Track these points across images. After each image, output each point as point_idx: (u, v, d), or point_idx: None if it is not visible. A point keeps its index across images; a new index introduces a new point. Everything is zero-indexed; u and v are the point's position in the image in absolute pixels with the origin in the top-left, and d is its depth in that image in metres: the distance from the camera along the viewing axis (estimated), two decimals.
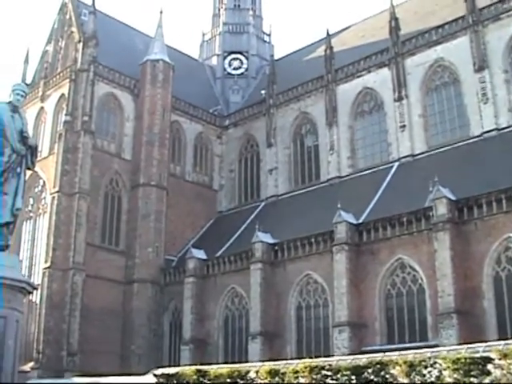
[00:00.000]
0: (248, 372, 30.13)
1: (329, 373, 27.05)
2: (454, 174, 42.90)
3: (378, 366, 26.42)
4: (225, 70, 77.58)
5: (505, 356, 23.56)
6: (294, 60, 70.20)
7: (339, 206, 43.98)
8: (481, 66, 50.78)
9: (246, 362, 42.35)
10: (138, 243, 56.43)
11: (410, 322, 40.40)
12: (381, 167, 53.37)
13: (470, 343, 29.43)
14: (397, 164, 52.43)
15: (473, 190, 40.10)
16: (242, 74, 76.96)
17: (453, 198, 39.83)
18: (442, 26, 54.11)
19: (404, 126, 53.79)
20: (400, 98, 54.65)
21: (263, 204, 61.29)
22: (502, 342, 27.18)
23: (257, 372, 29.69)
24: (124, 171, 58.76)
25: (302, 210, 52.93)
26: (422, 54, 54.66)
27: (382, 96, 56.41)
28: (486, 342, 29.88)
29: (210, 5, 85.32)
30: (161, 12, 65.05)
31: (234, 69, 77.12)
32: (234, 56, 78.06)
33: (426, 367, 25.07)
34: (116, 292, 54.67)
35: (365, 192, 49.29)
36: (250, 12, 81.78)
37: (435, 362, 25.16)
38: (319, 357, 35.14)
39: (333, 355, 38.67)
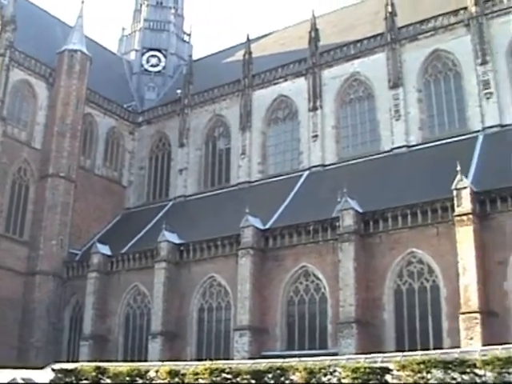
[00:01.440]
0: (148, 371, 29.91)
1: (229, 376, 27.04)
2: (363, 186, 43.53)
3: (279, 371, 26.60)
4: (142, 66, 76.72)
5: (403, 367, 24.06)
6: (212, 62, 70.11)
7: (247, 210, 44.11)
8: (395, 83, 51.85)
9: (146, 360, 42.08)
10: (43, 235, 55.00)
11: (310, 329, 40.77)
12: (291, 175, 53.68)
13: (369, 353, 29.98)
14: (307, 173, 52.90)
15: (380, 203, 40.89)
16: (159, 71, 76.32)
17: (360, 210, 40.55)
18: (360, 41, 55.09)
19: (316, 136, 54.32)
20: (314, 108, 55.21)
21: (171, 203, 60.83)
22: (400, 354, 27.80)
23: (157, 371, 29.50)
24: (33, 160, 57.21)
25: (210, 212, 52.83)
26: (339, 67, 55.43)
27: (297, 105, 56.85)
28: (384, 352, 30.48)
29: (132, 0, 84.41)
30: (82, 2, 63.71)
31: (152, 66, 76.40)
32: (152, 53, 77.34)
33: (325, 375, 25.39)
34: (17, 283, 53.13)
35: (273, 198, 49.54)
36: (172, 10, 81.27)
37: (335, 370, 25.52)
38: (219, 359, 35.08)
39: (232, 358, 38.79)
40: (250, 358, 36.86)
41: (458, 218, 36.39)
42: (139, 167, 66.23)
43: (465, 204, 36.59)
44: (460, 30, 50.79)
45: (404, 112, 51.10)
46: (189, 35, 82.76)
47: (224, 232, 45.94)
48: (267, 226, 44.74)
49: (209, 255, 46.30)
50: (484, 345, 31.67)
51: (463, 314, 34.48)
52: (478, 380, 22.79)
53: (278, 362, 28.56)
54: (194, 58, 72.79)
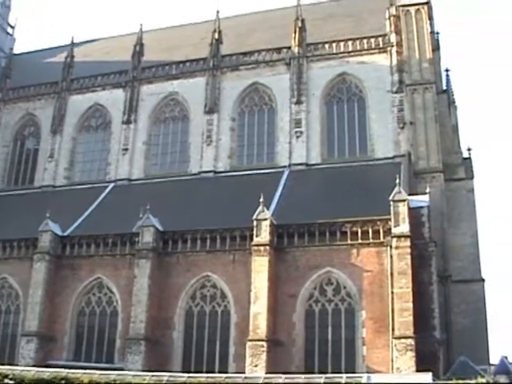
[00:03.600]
0: None
1: (12, 382, 26.15)
2: (167, 206, 43.84)
3: (63, 381, 26.08)
4: None
5: None
6: (33, 59, 67.52)
7: (48, 215, 43.03)
8: (211, 109, 52.84)
9: None
10: None
11: (99, 341, 40.23)
12: (96, 185, 52.82)
13: (155, 371, 30.10)
14: (112, 185, 52.33)
15: (181, 224, 41.40)
16: None
17: (160, 228, 40.75)
18: (183, 63, 55.76)
19: (126, 150, 54.06)
20: (128, 122, 55.00)
21: None
22: (186, 375, 28.16)
23: None
24: None
25: (10, 211, 50.74)
26: (158, 84, 55.70)
27: (112, 116, 56.35)
28: (171, 371, 30.69)
29: None
30: None
31: None
32: None
33: None
34: None
35: (76, 206, 48.52)
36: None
37: None
38: (3, 364, 33.67)
39: (17, 364, 37.36)
40: (34, 366, 35.86)
41: (256, 247, 37.70)
42: None
43: (263, 235, 37.98)
44: (281, 67, 52.86)
45: (216, 138, 52.08)
46: (13, 27, 79.24)
47: (22, 234, 44.47)
48: (66, 233, 43.79)
49: (3, 255, 44.49)
50: (268, 372, 32.94)
51: (251, 341, 35.58)
52: None
53: (64, 372, 27.97)
54: (16, 52, 70.17)
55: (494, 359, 62.36)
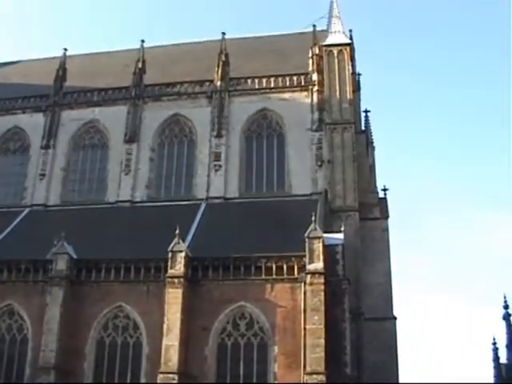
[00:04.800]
0: None
1: None
2: (82, 233, 43.18)
3: None
4: None
5: None
6: None
7: None
8: (132, 138, 52.66)
9: None
10: None
11: (8, 370, 39.02)
12: (12, 209, 51.55)
13: None
14: (28, 210, 51.21)
15: (96, 253, 40.91)
16: None
17: (74, 256, 40.21)
18: (105, 90, 55.50)
19: (44, 175, 53.16)
20: (47, 147, 54.16)
21: None
22: None
23: None
24: None
25: None
26: (79, 111, 55.12)
27: (31, 140, 55.35)
28: None
29: None
30: None
31: None
32: None
33: None
34: None
35: None
36: None
37: None
38: None
39: None
40: None
41: (170, 279, 37.66)
42: None
43: (178, 267, 37.99)
44: (202, 100, 53.29)
45: (134, 168, 51.84)
46: None
47: None
48: None
49: None
50: None
51: (162, 373, 35.36)
52: None
53: None
54: None
55: None
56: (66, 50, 59.14)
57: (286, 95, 52.41)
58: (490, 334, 60.34)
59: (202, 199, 49.02)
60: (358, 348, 41.43)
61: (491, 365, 57.99)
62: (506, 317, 52.94)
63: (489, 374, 58.53)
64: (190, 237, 41.95)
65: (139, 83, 54.75)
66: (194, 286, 38.16)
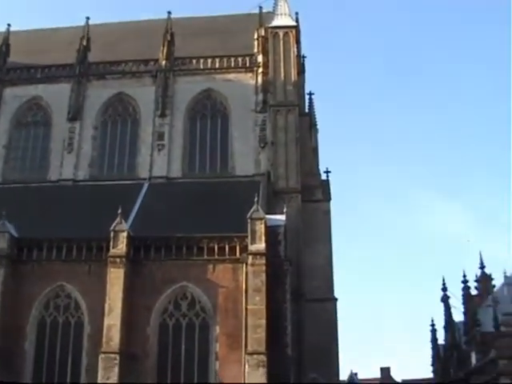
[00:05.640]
0: None
1: None
2: (24, 212, 42.77)
3: None
4: None
5: None
6: None
7: None
8: (75, 116, 52.08)
9: None
10: None
11: None
12: None
13: (6, 383, 29.46)
14: None
15: (38, 232, 40.55)
16: None
17: (16, 235, 39.87)
18: (49, 67, 54.55)
19: None
20: None
21: None
22: None
23: None
24: None
25: None
26: (23, 88, 54.20)
27: None
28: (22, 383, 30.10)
29: None
30: None
31: None
32: None
33: None
34: None
35: None
36: None
37: None
38: None
39: None
40: None
41: (112, 259, 37.63)
42: None
43: (120, 247, 37.99)
44: (147, 79, 53.02)
45: (77, 146, 51.31)
46: None
47: None
48: None
49: None
50: None
51: (104, 353, 35.37)
52: None
53: None
54: None
55: (344, 376, 64.80)
56: (9, 25, 58.05)
57: (231, 76, 52.50)
58: (429, 316, 61.63)
59: (144, 179, 48.87)
60: (299, 329, 42.04)
61: (429, 346, 59.71)
62: (444, 299, 54.17)
63: (428, 355, 60.22)
64: (132, 216, 41.92)
65: (83, 61, 54.04)
66: (136, 266, 38.21)
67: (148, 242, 38.89)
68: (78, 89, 53.10)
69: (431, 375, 61.14)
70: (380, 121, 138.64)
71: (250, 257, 37.02)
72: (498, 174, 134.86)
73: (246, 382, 34.80)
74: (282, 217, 40.37)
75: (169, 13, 55.96)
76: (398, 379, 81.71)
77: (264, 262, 36.84)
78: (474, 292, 52.47)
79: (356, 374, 75.47)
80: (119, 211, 38.48)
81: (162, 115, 51.12)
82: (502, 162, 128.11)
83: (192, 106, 52.13)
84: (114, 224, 38.36)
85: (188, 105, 51.92)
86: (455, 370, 50.93)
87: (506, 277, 51.33)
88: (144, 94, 52.55)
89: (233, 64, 52.81)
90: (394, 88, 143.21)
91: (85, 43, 54.94)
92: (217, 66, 52.84)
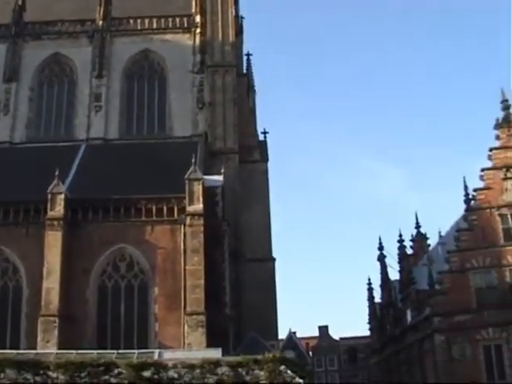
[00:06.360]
0: None
1: None
2: None
3: None
4: None
5: None
6: None
7: None
8: (11, 77, 51.23)
9: None
10: None
11: None
12: None
13: None
14: None
15: None
16: None
17: None
18: None
19: None
20: None
21: None
22: None
23: None
24: None
25: None
26: None
27: None
28: None
29: None
30: None
31: None
32: None
33: None
34: None
35: None
36: None
37: None
38: None
39: None
40: None
41: (49, 221, 37.38)
42: None
43: (57, 209, 37.72)
44: (84, 40, 52.45)
45: (13, 107, 50.57)
46: None
47: None
48: None
49: None
50: (60, 348, 32.99)
51: (43, 316, 35.25)
52: (50, 382, 23.69)
53: None
54: None
55: (283, 334, 65.90)
56: None
57: (169, 37, 52.19)
58: (366, 276, 62.59)
59: (82, 140, 48.50)
60: (238, 288, 42.66)
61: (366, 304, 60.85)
62: (380, 258, 55.16)
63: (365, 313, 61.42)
64: (69, 178, 41.56)
65: (19, 21, 52.97)
66: (74, 229, 38.01)
67: (86, 204, 38.68)
68: (13, 49, 52.14)
69: (368, 333, 62.52)
70: (320, 84, 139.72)
71: (188, 218, 37.21)
72: (435, 145, 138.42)
73: (186, 342, 35.18)
74: (220, 177, 40.57)
75: None
76: (336, 337, 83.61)
77: (202, 222, 37.08)
78: (409, 251, 53.60)
79: (295, 333, 76.79)
80: (56, 173, 38.07)
81: (99, 76, 50.62)
82: (438, 134, 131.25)
83: (129, 66, 51.75)
84: (51, 186, 37.97)
85: (125, 66, 51.53)
86: (391, 327, 52.02)
87: (440, 236, 52.61)
88: (81, 54, 51.92)
89: (170, 24, 52.47)
90: (334, 48, 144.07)
91: (20, 3, 53.80)
92: (154, 26, 52.45)
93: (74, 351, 28.96)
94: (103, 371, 25.71)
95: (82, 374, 25.19)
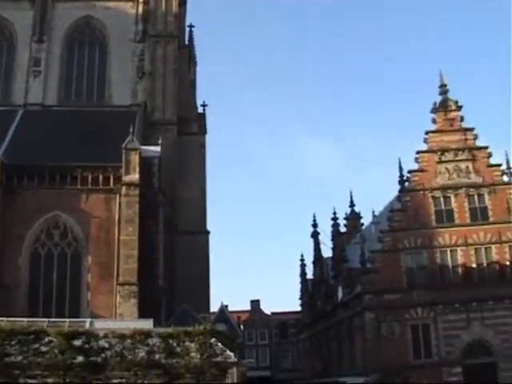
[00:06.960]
0: None
1: None
2: None
3: None
4: None
5: None
6: None
7: None
8: None
9: None
10: None
11: None
12: None
13: None
14: None
15: None
16: None
17: None
18: None
19: None
20: None
21: None
22: None
23: None
24: None
25: None
26: None
27: None
28: None
29: None
30: None
31: None
32: None
33: None
34: None
35: None
36: None
37: None
38: None
39: None
40: None
41: None
42: None
43: None
44: (25, 3, 51.46)
45: None
46: None
47: None
48: None
49: None
50: None
51: None
52: None
53: None
54: None
55: (215, 307, 66.29)
56: None
57: (111, 4, 51.64)
58: (299, 252, 63.37)
59: (19, 105, 47.67)
60: (172, 260, 42.73)
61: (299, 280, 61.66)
62: (313, 235, 55.87)
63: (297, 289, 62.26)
64: (5, 144, 40.87)
65: None
66: (9, 195, 37.43)
67: (21, 170, 38.12)
68: None
69: (299, 308, 63.38)
70: (263, 58, 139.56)
71: (124, 187, 37.20)
72: (374, 125, 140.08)
73: (118, 312, 35.24)
74: (157, 148, 40.43)
75: None
76: (268, 312, 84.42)
77: (137, 192, 37.13)
78: (343, 230, 54.41)
79: (226, 306, 77.20)
80: None
81: (39, 41, 49.73)
82: (378, 114, 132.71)
83: (70, 32, 51.00)
84: None
85: (66, 31, 50.78)
86: (322, 303, 52.85)
87: (374, 216, 53.52)
88: (21, 18, 50.87)
89: None
90: (276, 19, 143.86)
91: None
92: None
93: (4, 318, 28.74)
94: (34, 339, 25.55)
95: (13, 342, 25.07)
